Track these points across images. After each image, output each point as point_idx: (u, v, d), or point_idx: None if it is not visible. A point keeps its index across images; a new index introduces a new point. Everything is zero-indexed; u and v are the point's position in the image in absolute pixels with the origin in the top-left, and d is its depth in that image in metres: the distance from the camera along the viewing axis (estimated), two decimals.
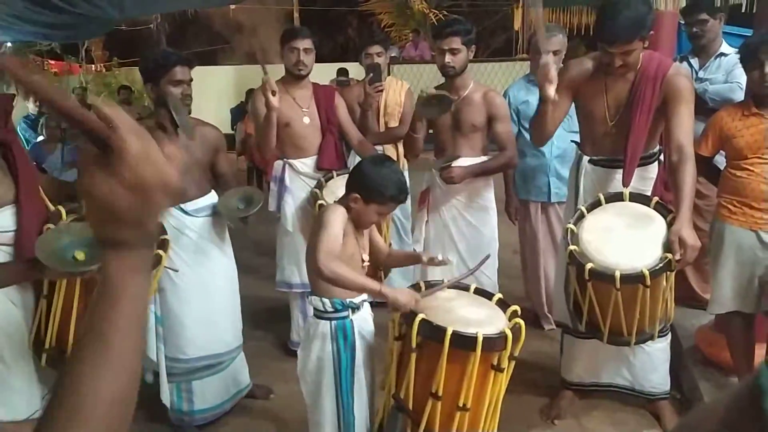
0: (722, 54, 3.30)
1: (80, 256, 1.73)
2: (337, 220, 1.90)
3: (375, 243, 2.16)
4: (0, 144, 1.99)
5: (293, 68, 3.13)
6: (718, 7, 3.35)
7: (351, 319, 1.99)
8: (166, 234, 2.14)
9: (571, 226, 2.38)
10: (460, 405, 1.77)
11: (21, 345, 2.00)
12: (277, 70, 3.19)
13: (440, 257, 2.05)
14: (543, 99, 2.45)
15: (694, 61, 3.31)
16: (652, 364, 2.64)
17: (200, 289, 2.67)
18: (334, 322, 1.98)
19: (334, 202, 2.03)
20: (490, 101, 2.95)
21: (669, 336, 2.64)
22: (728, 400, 0.49)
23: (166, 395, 2.69)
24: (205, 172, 2.72)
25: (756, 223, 2.50)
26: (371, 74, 3.38)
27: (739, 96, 3.02)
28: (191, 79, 2.59)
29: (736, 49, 3.29)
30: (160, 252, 2.03)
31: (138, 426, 2.83)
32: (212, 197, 2.73)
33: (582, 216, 2.40)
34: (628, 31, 2.26)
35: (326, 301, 1.96)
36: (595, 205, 2.43)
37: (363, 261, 2.06)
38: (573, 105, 2.67)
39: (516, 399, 2.75)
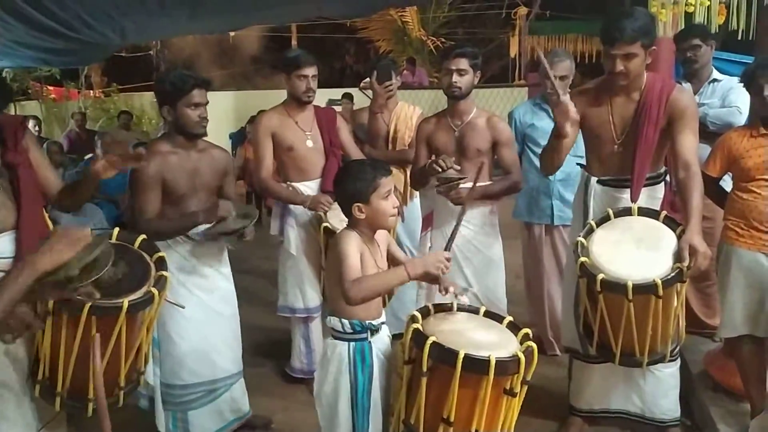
0: (715, 80, 3.32)
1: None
2: (351, 246, 1.86)
3: (393, 255, 2.12)
4: (7, 167, 1.96)
5: (302, 96, 3.09)
6: (710, 33, 3.38)
7: (370, 341, 1.94)
8: (166, 270, 2.10)
9: (581, 239, 2.38)
10: (472, 431, 1.72)
11: (18, 375, 1.95)
12: (276, 94, 3.15)
13: (452, 289, 1.95)
14: (557, 135, 2.45)
15: (687, 86, 3.31)
16: (662, 390, 2.59)
17: (199, 313, 2.61)
18: (352, 344, 1.93)
19: (344, 229, 1.98)
20: (493, 126, 2.94)
21: (678, 361, 2.60)
22: None
23: (161, 421, 2.62)
24: (212, 195, 2.65)
25: (764, 246, 2.48)
26: (380, 71, 3.30)
27: (739, 120, 3.04)
28: (207, 102, 2.56)
29: (728, 75, 3.34)
30: (153, 290, 1.99)
31: None
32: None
33: (591, 230, 2.41)
34: (630, 31, 2.30)
35: (345, 322, 1.92)
36: (604, 219, 2.45)
37: None
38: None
39: (524, 425, 2.68)
